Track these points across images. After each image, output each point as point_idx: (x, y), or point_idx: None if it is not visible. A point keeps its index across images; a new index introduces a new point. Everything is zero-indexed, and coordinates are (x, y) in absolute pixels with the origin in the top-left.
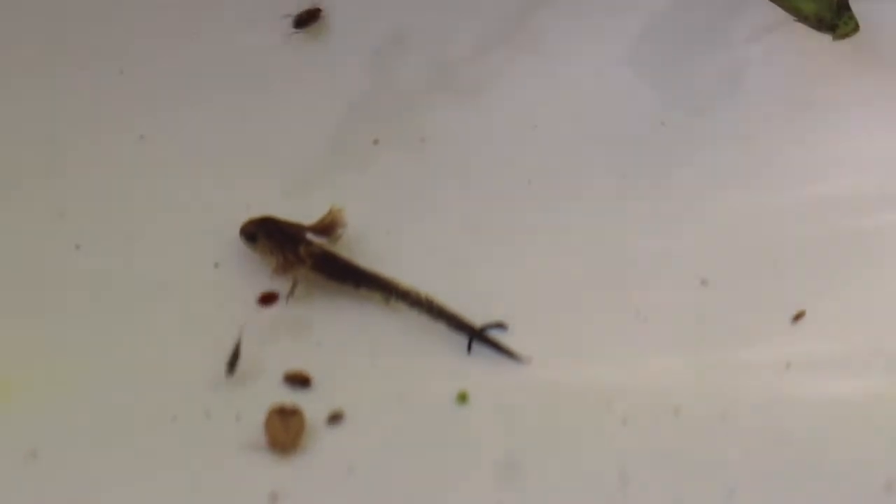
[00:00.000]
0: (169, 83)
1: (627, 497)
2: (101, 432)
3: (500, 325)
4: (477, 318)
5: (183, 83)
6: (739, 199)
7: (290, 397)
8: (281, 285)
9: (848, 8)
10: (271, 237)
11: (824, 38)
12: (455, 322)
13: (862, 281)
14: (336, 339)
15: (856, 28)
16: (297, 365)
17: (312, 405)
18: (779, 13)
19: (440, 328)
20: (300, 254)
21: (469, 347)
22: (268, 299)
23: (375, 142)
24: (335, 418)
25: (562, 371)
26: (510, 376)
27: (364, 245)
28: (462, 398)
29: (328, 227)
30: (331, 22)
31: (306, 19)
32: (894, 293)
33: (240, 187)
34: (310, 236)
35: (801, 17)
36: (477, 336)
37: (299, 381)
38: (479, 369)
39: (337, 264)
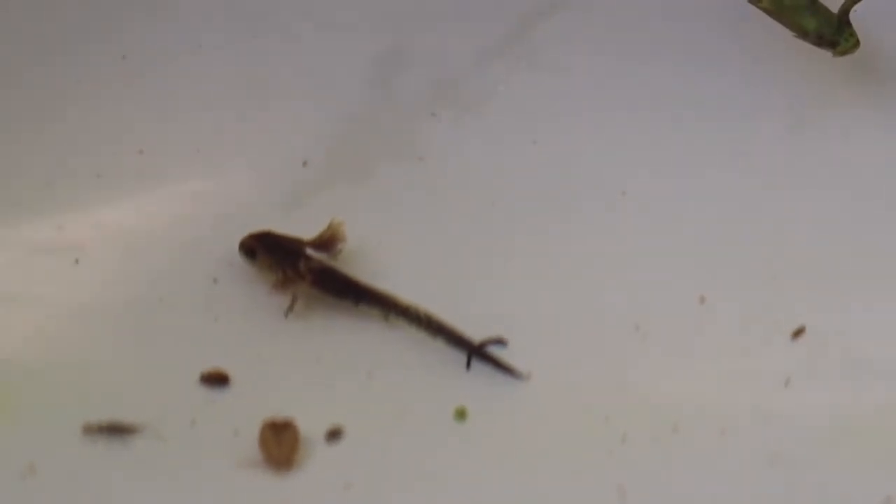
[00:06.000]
0: (169, 96)
1: None
2: (100, 447)
3: (499, 341)
4: (476, 335)
5: (183, 96)
6: (738, 214)
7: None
8: (280, 300)
9: (849, 24)
10: (271, 252)
11: (825, 55)
12: (454, 338)
13: (862, 296)
14: (335, 355)
15: (857, 44)
16: (297, 380)
17: (311, 422)
18: (779, 30)
19: (439, 344)
20: (300, 269)
21: (468, 363)
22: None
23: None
24: (334, 435)
25: (561, 387)
26: (509, 392)
27: (363, 261)
28: (461, 414)
29: (328, 242)
30: (330, 40)
31: None
32: (895, 309)
33: (239, 201)
34: (309, 251)
35: (802, 34)
36: (476, 352)
37: (216, 379)
38: (478, 385)
39: (336, 280)
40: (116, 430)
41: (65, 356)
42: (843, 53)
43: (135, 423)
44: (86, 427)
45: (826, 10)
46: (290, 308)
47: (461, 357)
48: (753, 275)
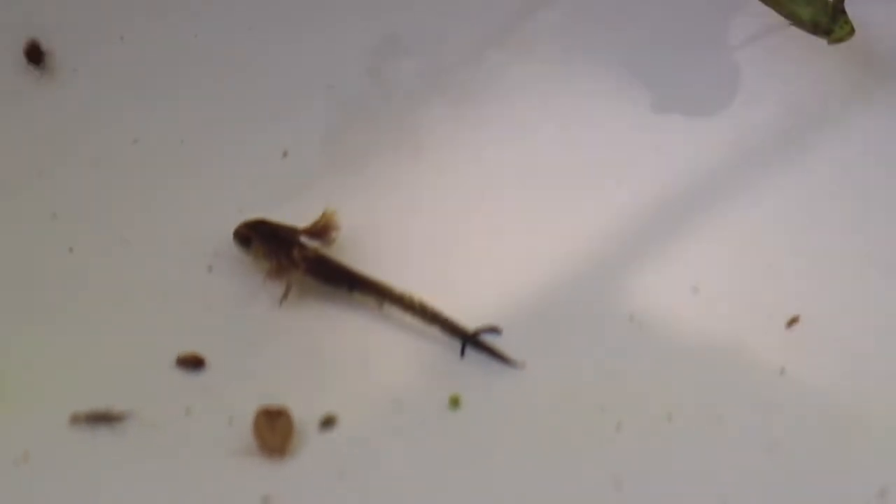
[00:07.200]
0: (163, 86)
1: (622, 503)
2: (95, 436)
3: (493, 330)
4: (470, 323)
5: (177, 86)
6: (732, 203)
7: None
8: (274, 289)
9: (843, 12)
10: (265, 240)
11: (820, 43)
12: (448, 326)
13: (857, 286)
14: (329, 343)
15: (851, 32)
16: (288, 368)
17: (305, 410)
18: (774, 18)
19: (433, 332)
20: (294, 257)
21: (462, 352)
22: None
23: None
24: (327, 423)
25: (555, 376)
26: (503, 381)
27: (358, 249)
28: (455, 403)
29: (322, 230)
30: (326, 28)
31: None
32: (890, 298)
33: (233, 190)
34: (304, 239)
35: (797, 22)
36: (470, 340)
37: (192, 362)
38: (473, 374)
39: (331, 268)
40: (103, 419)
41: (57, 344)
42: (838, 41)
43: (126, 411)
44: (73, 417)
45: None
46: (285, 296)
47: (455, 345)
48: (747, 264)
